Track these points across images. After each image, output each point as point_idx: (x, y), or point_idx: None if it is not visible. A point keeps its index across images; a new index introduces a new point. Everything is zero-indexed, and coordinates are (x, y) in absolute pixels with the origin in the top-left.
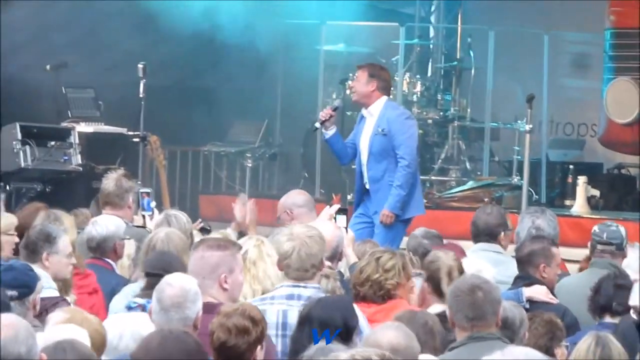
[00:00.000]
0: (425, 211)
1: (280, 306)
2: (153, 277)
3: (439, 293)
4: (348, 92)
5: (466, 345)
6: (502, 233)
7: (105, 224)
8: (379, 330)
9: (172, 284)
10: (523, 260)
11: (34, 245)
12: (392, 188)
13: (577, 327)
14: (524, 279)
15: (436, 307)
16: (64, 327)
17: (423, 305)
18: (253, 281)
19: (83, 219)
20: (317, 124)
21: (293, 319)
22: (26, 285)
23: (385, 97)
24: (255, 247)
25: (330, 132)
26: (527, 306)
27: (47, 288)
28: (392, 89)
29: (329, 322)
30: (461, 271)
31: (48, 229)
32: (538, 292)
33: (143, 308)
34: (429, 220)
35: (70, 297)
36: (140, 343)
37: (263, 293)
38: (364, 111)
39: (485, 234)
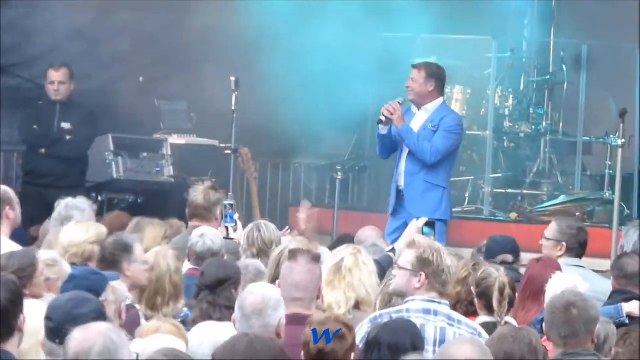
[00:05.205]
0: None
1: (417, 320)
2: None
3: (489, 308)
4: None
5: None
6: None
7: (211, 237)
8: (455, 344)
9: (254, 292)
10: (634, 276)
11: (112, 256)
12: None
13: None
14: (622, 293)
15: (482, 319)
16: (162, 337)
17: None
18: (348, 289)
19: (177, 229)
20: (383, 118)
21: (430, 333)
22: (89, 290)
23: (441, 98)
24: (351, 255)
25: (384, 131)
26: (627, 321)
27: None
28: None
29: (398, 346)
30: (513, 288)
31: (124, 238)
32: (638, 307)
33: None
34: (522, 233)
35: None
36: (224, 344)
37: (357, 301)
38: (414, 108)
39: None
